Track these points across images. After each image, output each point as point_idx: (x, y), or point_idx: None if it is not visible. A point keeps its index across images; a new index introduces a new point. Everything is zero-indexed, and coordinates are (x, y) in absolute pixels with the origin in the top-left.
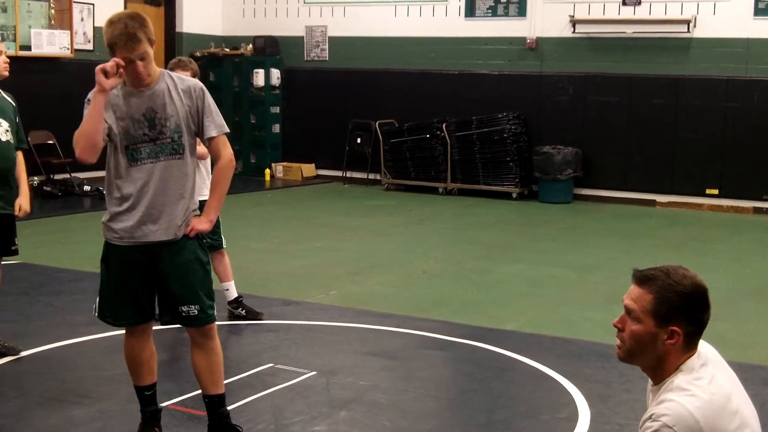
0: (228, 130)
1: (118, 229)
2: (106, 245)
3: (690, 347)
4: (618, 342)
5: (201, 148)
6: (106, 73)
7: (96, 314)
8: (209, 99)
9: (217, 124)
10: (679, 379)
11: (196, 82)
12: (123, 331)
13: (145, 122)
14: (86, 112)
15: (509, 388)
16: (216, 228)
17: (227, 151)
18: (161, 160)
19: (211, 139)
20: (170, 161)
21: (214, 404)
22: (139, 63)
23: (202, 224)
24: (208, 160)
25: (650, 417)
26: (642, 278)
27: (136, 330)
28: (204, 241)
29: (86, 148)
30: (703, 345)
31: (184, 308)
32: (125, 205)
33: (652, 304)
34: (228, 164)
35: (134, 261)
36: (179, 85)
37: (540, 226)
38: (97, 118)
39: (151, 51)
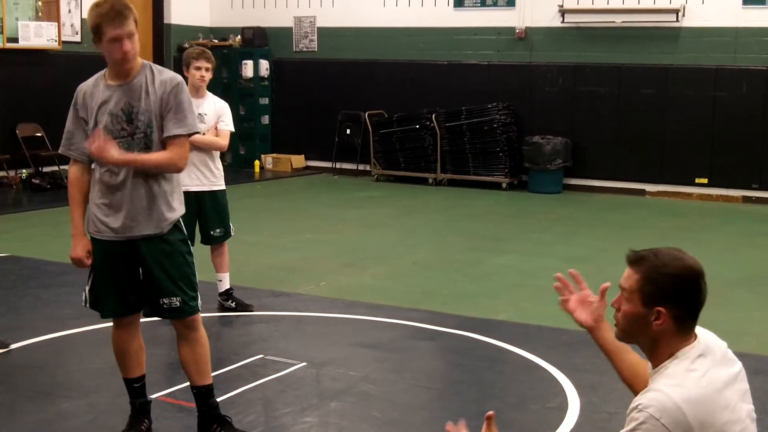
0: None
1: (100, 224)
2: (91, 239)
3: (684, 332)
4: (615, 321)
5: (210, 138)
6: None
7: (87, 305)
8: (184, 96)
9: (181, 121)
10: (672, 367)
11: (174, 76)
12: (111, 324)
13: (123, 117)
14: (70, 119)
15: (500, 378)
16: (225, 219)
17: (182, 151)
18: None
19: (170, 138)
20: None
21: (202, 395)
22: (126, 41)
23: (109, 152)
24: (217, 153)
25: (636, 407)
26: (633, 259)
27: (123, 322)
28: (214, 232)
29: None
30: (707, 335)
31: (165, 300)
32: (106, 201)
33: (639, 284)
34: (174, 159)
35: (117, 253)
36: (157, 78)
37: (530, 217)
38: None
39: (136, 34)
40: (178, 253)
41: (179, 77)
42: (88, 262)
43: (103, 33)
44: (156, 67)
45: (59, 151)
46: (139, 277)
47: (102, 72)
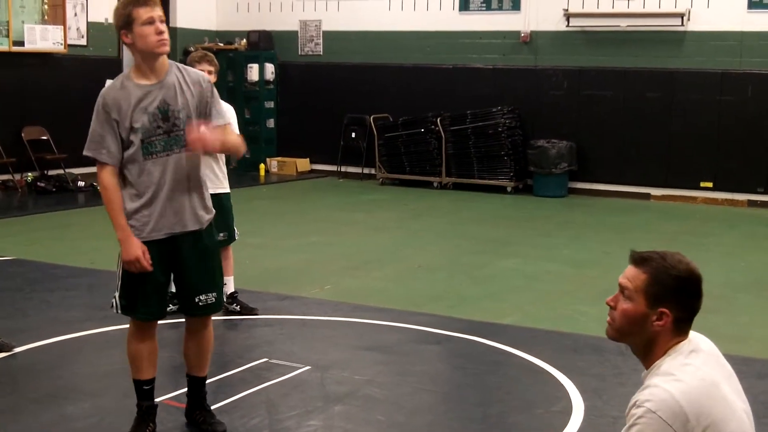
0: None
1: (140, 225)
2: None
3: (679, 333)
4: (609, 320)
5: None
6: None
7: (119, 311)
8: (215, 90)
9: (221, 113)
10: (666, 364)
11: (203, 74)
12: (117, 327)
13: (159, 115)
14: (97, 122)
15: (504, 382)
16: (229, 223)
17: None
18: (176, 152)
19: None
20: (183, 152)
21: (196, 384)
22: (159, 24)
23: (212, 141)
24: (222, 156)
25: (635, 404)
26: (639, 259)
27: (147, 324)
28: (218, 236)
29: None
30: (698, 336)
31: (202, 297)
32: (144, 200)
33: (645, 284)
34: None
35: (158, 254)
36: (187, 77)
37: (535, 221)
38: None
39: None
40: (213, 249)
41: (206, 75)
42: (147, 263)
43: (134, 19)
44: (181, 66)
45: (86, 153)
46: (170, 278)
47: (125, 74)
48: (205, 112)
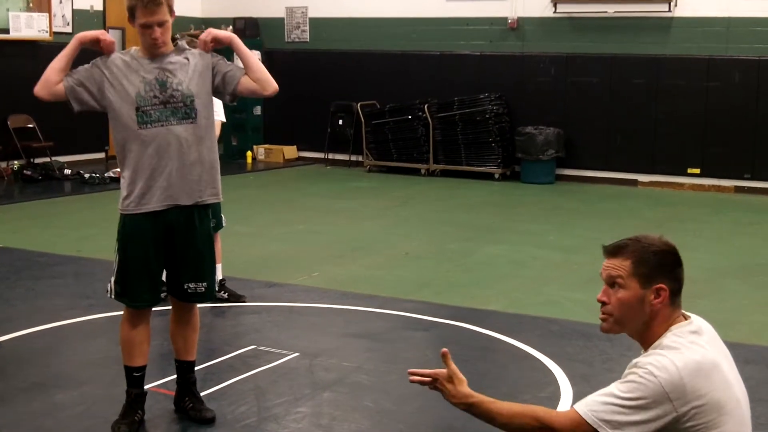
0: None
1: (136, 196)
2: (125, 222)
3: (675, 307)
4: (602, 316)
5: None
6: (97, 41)
7: (113, 296)
8: (223, 58)
9: (238, 67)
10: (668, 339)
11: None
12: (104, 315)
13: (157, 85)
14: (85, 67)
15: (492, 368)
16: (217, 210)
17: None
18: (173, 124)
19: (239, 80)
20: (183, 125)
21: (184, 369)
22: (157, 29)
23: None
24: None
25: (636, 364)
26: (614, 249)
27: (141, 311)
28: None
29: (42, 84)
30: (698, 318)
31: (192, 285)
32: (138, 169)
33: (633, 268)
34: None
35: (153, 237)
36: (192, 53)
37: (522, 207)
38: (63, 59)
39: (170, 20)
40: (207, 240)
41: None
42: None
43: (135, 17)
44: (192, 49)
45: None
46: (163, 262)
47: (133, 48)
48: (221, 79)
